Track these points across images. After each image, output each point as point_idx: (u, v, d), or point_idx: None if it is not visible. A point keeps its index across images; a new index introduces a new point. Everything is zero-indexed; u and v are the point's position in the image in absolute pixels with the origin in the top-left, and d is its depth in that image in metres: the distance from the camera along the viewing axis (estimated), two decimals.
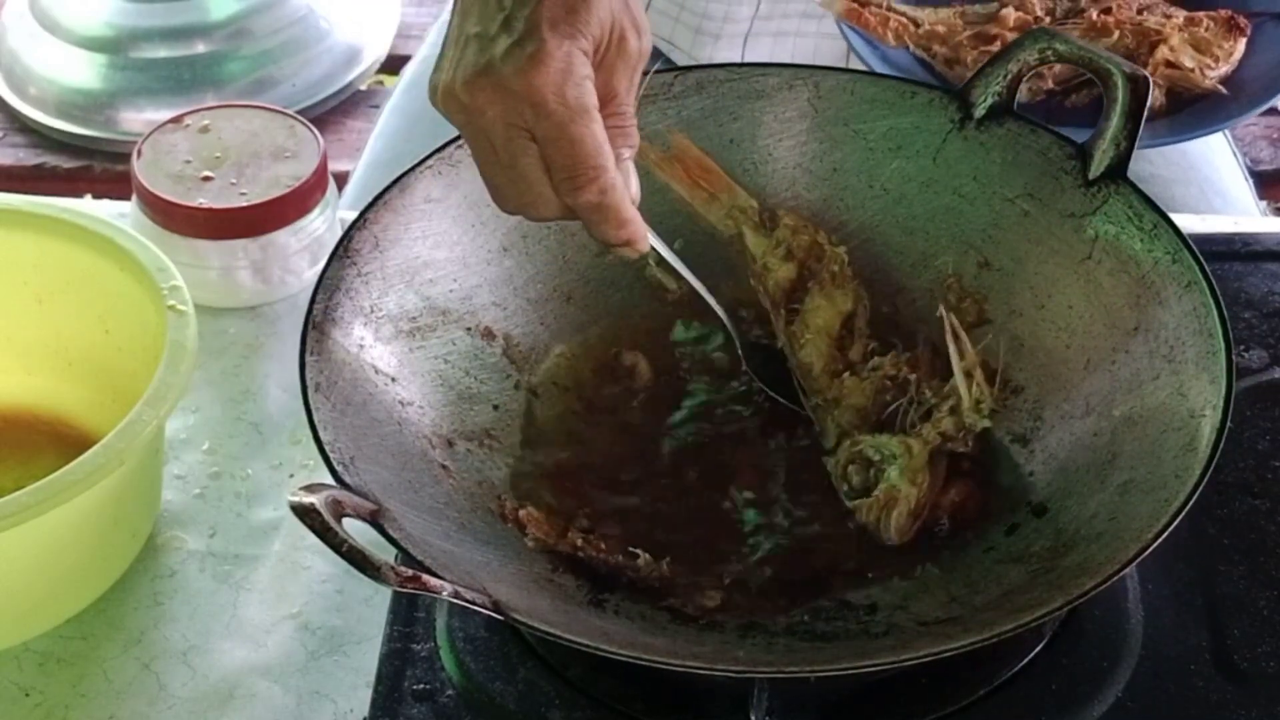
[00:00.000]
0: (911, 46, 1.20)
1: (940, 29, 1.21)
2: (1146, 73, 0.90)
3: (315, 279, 0.89)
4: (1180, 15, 1.22)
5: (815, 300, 0.96)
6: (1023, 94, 1.17)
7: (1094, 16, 1.21)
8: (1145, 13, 1.22)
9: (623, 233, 0.84)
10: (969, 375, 0.90)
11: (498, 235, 0.97)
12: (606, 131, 0.81)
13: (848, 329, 0.96)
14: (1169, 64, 1.17)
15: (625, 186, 0.83)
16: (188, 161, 1.10)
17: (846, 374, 0.94)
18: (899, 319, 0.97)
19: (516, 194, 0.83)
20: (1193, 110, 1.16)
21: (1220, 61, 1.19)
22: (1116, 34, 1.20)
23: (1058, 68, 1.17)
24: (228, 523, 0.97)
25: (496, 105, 0.79)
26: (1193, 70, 1.17)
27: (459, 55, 0.81)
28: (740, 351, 0.95)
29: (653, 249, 0.88)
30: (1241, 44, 1.20)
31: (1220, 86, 1.17)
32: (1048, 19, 1.22)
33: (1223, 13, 1.21)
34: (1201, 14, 1.21)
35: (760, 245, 0.97)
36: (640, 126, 0.90)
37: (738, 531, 0.89)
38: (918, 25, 1.21)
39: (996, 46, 1.17)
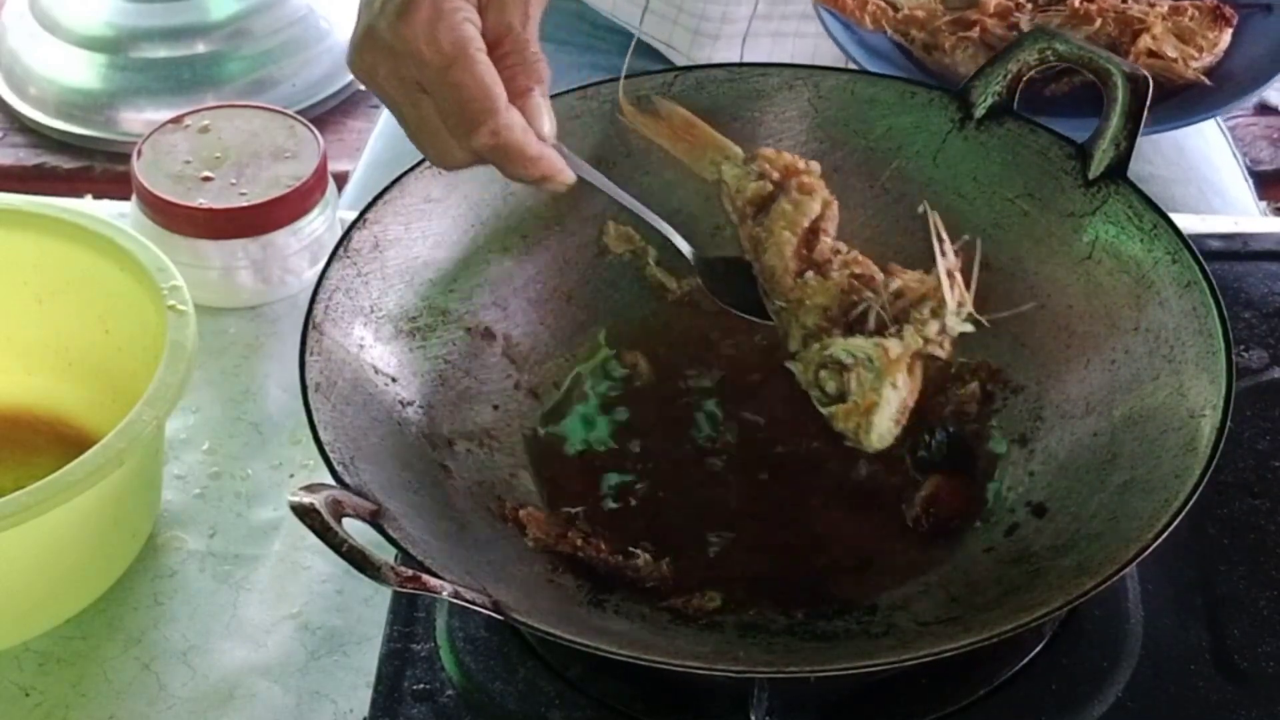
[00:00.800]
0: (889, 31, 1.19)
1: (919, 14, 1.19)
2: (1146, 73, 0.90)
3: (315, 279, 0.89)
4: (1164, 4, 1.20)
5: (781, 206, 0.92)
6: None
7: (1076, 4, 1.19)
8: (1129, 0, 1.20)
9: (534, 170, 0.84)
10: (951, 276, 0.86)
11: (498, 235, 0.97)
12: (508, 69, 0.81)
13: (814, 232, 0.92)
14: (1151, 53, 1.15)
15: (529, 123, 0.83)
16: (188, 161, 1.10)
17: (810, 273, 0.90)
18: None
19: (426, 146, 0.84)
20: (1175, 101, 1.14)
21: (1204, 52, 1.17)
22: (1099, 21, 1.18)
23: None
24: (228, 523, 0.97)
25: (383, 64, 0.81)
26: (1175, 60, 1.15)
27: (357, 21, 0.82)
28: (695, 266, 0.93)
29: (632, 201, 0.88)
30: (1227, 35, 1.18)
31: (1203, 77, 1.15)
32: (1029, 5, 1.21)
33: (1208, 2, 1.19)
34: (1186, 3, 1.19)
35: (736, 174, 0.95)
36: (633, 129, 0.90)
37: (738, 532, 0.89)
38: (896, 9, 1.20)
39: (975, 33, 1.17)
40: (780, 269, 0.91)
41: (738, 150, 0.96)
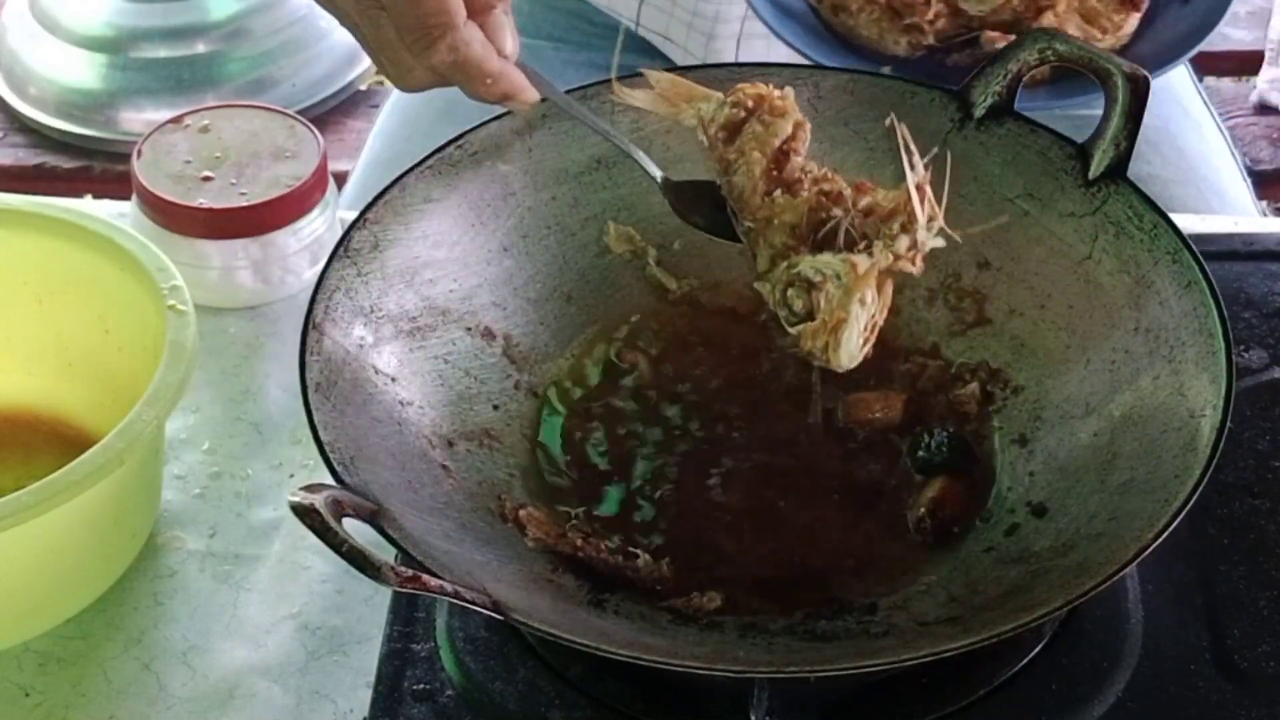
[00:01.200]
0: None
1: None
2: (1146, 72, 0.90)
3: (315, 279, 0.89)
4: None
5: (753, 127, 0.91)
6: (901, 48, 1.17)
7: None
8: None
9: (496, 88, 0.83)
10: (920, 190, 0.84)
11: (498, 235, 0.97)
12: None
13: (785, 153, 0.90)
14: None
15: (490, 40, 0.82)
16: (188, 161, 1.10)
17: (779, 191, 0.89)
18: (898, 319, 0.97)
19: (386, 67, 0.83)
20: (1074, 80, 1.11)
21: (1107, 34, 1.16)
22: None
23: (940, 23, 1.17)
24: (228, 523, 0.97)
25: None
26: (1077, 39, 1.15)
27: None
28: (662, 188, 0.92)
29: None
30: (1134, 19, 1.18)
31: None
32: None
33: None
34: None
35: (711, 107, 0.93)
36: (639, 127, 0.90)
37: (738, 531, 0.89)
38: None
39: None
40: (749, 189, 0.89)
41: (719, 94, 0.94)
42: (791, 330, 0.86)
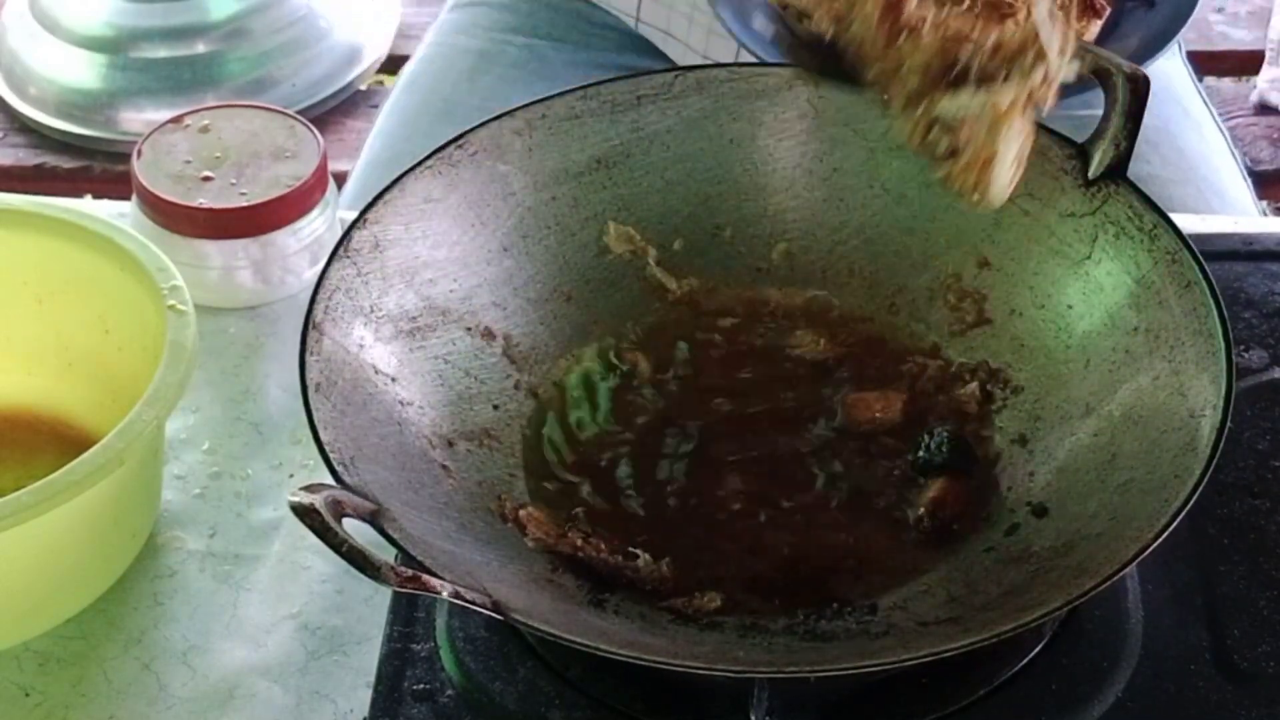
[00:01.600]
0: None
1: None
2: (1146, 72, 0.90)
3: (315, 279, 0.89)
4: None
5: None
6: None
7: None
8: None
9: None
10: (1053, 18, 0.83)
11: (498, 235, 0.97)
12: None
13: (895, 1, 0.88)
14: None
15: None
16: (188, 161, 1.10)
17: (903, 35, 0.87)
18: (898, 319, 0.98)
19: None
20: (1077, 80, 1.13)
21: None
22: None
23: None
24: (228, 523, 0.97)
25: None
26: None
27: None
28: (782, 50, 0.91)
29: None
30: (1095, 27, 1.17)
31: None
32: None
33: None
34: None
35: None
36: (639, 127, 0.90)
37: (738, 532, 0.89)
38: None
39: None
40: (869, 40, 0.88)
41: None
42: (938, 173, 0.85)
